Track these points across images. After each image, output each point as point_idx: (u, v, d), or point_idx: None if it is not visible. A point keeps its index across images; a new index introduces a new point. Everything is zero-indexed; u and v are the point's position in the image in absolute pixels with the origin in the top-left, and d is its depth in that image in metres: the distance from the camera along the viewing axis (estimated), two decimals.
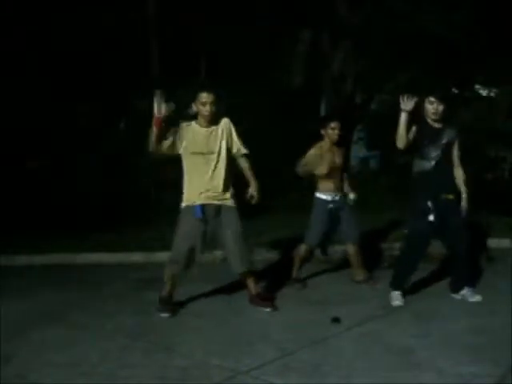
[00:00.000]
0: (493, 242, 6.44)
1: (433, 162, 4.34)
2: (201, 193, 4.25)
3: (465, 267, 4.48)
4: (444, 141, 4.35)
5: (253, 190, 4.40)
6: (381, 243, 6.53)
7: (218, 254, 5.56)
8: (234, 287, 4.87)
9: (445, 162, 4.38)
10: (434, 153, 4.34)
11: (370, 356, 3.38)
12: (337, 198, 4.98)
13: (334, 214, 4.96)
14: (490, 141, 9.86)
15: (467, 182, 4.49)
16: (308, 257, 5.18)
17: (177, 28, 10.37)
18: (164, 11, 10.54)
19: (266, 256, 6.27)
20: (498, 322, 3.94)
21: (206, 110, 4.19)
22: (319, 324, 4.01)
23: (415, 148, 4.38)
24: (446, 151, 4.38)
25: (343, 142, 5.07)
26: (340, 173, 5.06)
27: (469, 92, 11.37)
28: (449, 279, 4.64)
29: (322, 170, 4.88)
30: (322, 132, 4.98)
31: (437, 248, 5.56)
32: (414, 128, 4.33)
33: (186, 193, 4.33)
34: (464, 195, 4.46)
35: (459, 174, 4.48)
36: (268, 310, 4.35)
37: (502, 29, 9.42)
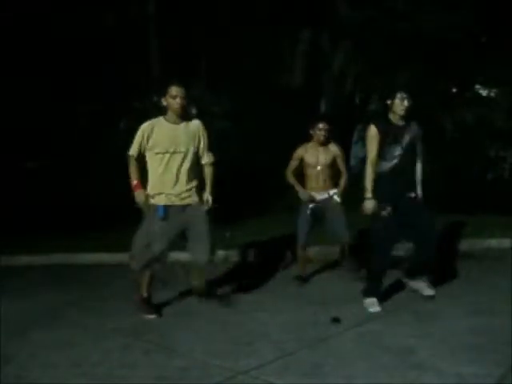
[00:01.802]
0: (493, 242, 6.44)
1: (393, 162, 4.26)
2: (165, 194, 4.22)
3: (427, 258, 4.40)
4: (407, 139, 4.28)
5: (207, 195, 4.39)
6: None
7: (219, 254, 5.55)
8: (233, 287, 4.88)
9: (407, 161, 4.30)
10: (397, 152, 4.26)
11: (370, 356, 3.38)
12: (321, 197, 5.03)
13: (317, 214, 5.03)
14: (490, 141, 9.86)
15: (438, 179, 4.47)
16: (306, 255, 5.18)
17: (177, 28, 10.37)
18: (164, 11, 10.54)
19: (266, 256, 6.27)
20: (497, 321, 3.94)
21: (176, 102, 4.14)
22: (319, 324, 4.01)
23: (378, 141, 4.28)
24: (410, 149, 4.31)
25: (329, 140, 5.13)
26: (328, 171, 5.10)
27: (469, 92, 11.36)
28: (449, 279, 4.64)
29: (289, 168, 5.13)
30: (311, 132, 5.09)
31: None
32: (373, 126, 4.28)
33: (149, 190, 4.29)
34: (419, 189, 4.43)
35: (418, 168, 4.45)
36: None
37: (502, 29, 9.42)
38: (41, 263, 6.44)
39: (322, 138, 5.02)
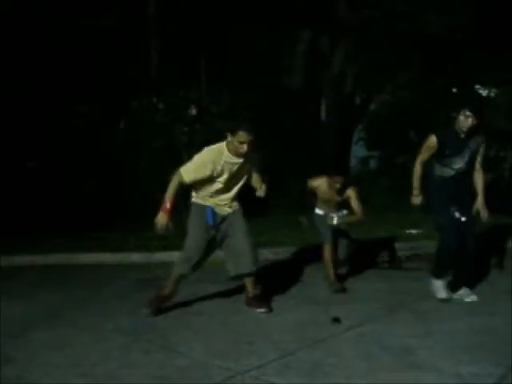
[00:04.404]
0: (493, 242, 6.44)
1: (454, 172, 4.40)
2: (214, 203, 4.31)
3: (467, 268, 4.51)
4: (468, 152, 4.37)
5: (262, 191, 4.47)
6: (380, 243, 6.53)
7: (219, 254, 5.55)
8: (233, 287, 4.87)
9: (466, 173, 4.43)
10: (457, 165, 4.39)
11: (370, 356, 3.38)
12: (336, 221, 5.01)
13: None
14: (490, 141, 9.86)
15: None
16: (333, 257, 5.10)
17: (177, 28, 10.36)
18: (164, 11, 10.53)
19: (266, 256, 6.26)
20: (498, 321, 3.94)
21: (242, 148, 4.08)
22: (319, 324, 4.01)
23: (437, 154, 4.43)
24: (470, 162, 4.41)
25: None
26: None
27: (469, 92, 11.37)
28: (449, 279, 4.63)
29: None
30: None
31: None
32: (433, 138, 4.39)
33: (197, 192, 4.33)
34: (479, 199, 4.48)
35: (478, 179, 4.50)
36: (262, 310, 4.35)
37: (502, 29, 9.42)
38: (41, 263, 6.44)
39: (336, 188, 5.00)
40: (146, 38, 10.42)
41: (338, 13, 10.46)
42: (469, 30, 9.24)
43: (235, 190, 4.34)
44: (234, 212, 4.37)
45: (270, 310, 4.39)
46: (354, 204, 5.01)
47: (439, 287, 4.53)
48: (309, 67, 10.82)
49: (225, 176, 4.19)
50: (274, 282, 5.17)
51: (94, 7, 9.86)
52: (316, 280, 5.33)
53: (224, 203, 4.33)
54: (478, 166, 4.49)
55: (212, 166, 4.11)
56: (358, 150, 12.95)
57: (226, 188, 4.28)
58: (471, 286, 4.61)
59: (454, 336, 3.69)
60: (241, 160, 4.18)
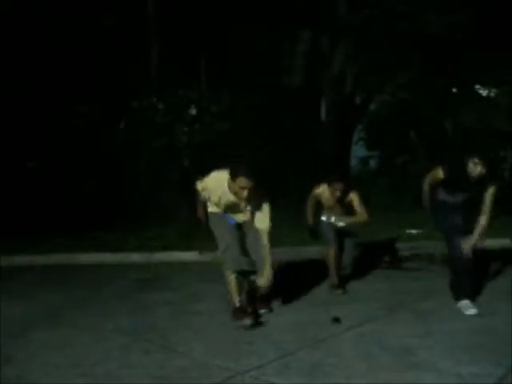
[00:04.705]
0: (493, 242, 6.44)
1: (456, 202, 4.41)
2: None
3: (467, 281, 4.36)
4: (474, 192, 4.35)
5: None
6: (381, 243, 6.54)
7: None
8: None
9: (469, 206, 4.42)
10: (460, 198, 4.40)
11: (370, 356, 3.38)
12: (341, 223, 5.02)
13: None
14: (490, 141, 9.87)
15: None
16: (337, 259, 5.08)
17: (177, 28, 10.36)
18: (164, 11, 10.53)
19: None
20: (498, 321, 3.94)
21: (242, 194, 3.98)
22: (319, 324, 4.01)
23: (442, 180, 4.43)
24: (474, 197, 4.38)
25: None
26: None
27: (469, 92, 11.37)
28: (449, 280, 4.63)
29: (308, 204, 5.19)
30: (328, 185, 5.06)
31: (438, 249, 5.58)
32: (440, 172, 4.41)
33: (211, 204, 4.27)
34: (476, 233, 4.31)
35: (481, 221, 4.32)
36: (262, 311, 4.30)
37: (502, 29, 9.41)
38: (41, 263, 6.44)
39: (337, 196, 4.98)
40: (146, 38, 10.42)
41: (338, 13, 10.46)
42: (469, 30, 9.23)
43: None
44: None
45: (270, 310, 4.39)
46: (358, 207, 5.00)
47: (465, 306, 4.28)
48: (309, 67, 10.81)
49: (223, 203, 4.16)
50: (273, 282, 5.17)
51: (94, 7, 9.86)
52: (316, 280, 5.33)
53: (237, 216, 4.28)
54: (483, 208, 4.34)
55: (212, 192, 4.14)
56: (358, 150, 12.95)
57: (232, 210, 4.23)
58: (472, 298, 4.36)
59: (454, 336, 3.69)
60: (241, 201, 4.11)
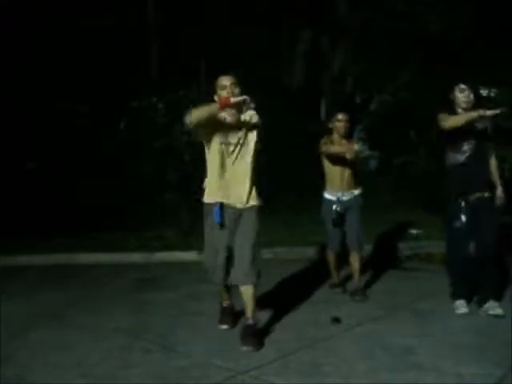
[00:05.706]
0: None
1: (465, 156, 4.08)
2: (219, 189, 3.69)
3: (490, 280, 4.16)
4: (475, 132, 4.09)
5: None
6: (381, 243, 6.53)
7: None
8: (233, 287, 4.87)
9: (478, 155, 4.09)
10: (466, 146, 4.09)
11: (370, 356, 3.38)
12: (344, 198, 4.73)
13: (342, 214, 4.71)
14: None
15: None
16: (337, 261, 4.95)
17: (176, 28, 10.37)
18: (164, 12, 10.55)
19: (267, 256, 6.26)
20: (498, 322, 3.94)
21: (226, 92, 3.71)
22: (319, 324, 4.01)
23: (447, 140, 4.15)
24: (480, 142, 4.11)
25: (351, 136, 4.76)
26: (350, 169, 4.76)
27: None
28: (449, 280, 4.62)
29: (329, 148, 4.68)
30: (330, 126, 4.80)
31: (437, 248, 5.57)
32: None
33: (207, 187, 3.77)
34: (498, 186, 4.19)
35: (492, 164, 4.22)
36: (245, 349, 3.52)
37: (502, 29, 9.42)
38: (41, 263, 6.44)
39: (342, 129, 4.70)
40: (146, 38, 10.43)
41: (338, 13, 10.48)
42: (469, 30, 9.25)
43: (242, 173, 3.69)
44: (246, 209, 3.69)
45: (257, 349, 3.53)
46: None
47: (458, 306, 4.21)
48: (309, 67, 10.83)
49: (216, 132, 3.70)
50: (273, 282, 5.17)
51: (94, 7, 9.87)
52: (316, 280, 5.33)
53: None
54: (489, 151, 4.17)
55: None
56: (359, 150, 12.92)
57: (224, 131, 3.73)
58: (499, 297, 4.24)
59: (454, 336, 3.69)
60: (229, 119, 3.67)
